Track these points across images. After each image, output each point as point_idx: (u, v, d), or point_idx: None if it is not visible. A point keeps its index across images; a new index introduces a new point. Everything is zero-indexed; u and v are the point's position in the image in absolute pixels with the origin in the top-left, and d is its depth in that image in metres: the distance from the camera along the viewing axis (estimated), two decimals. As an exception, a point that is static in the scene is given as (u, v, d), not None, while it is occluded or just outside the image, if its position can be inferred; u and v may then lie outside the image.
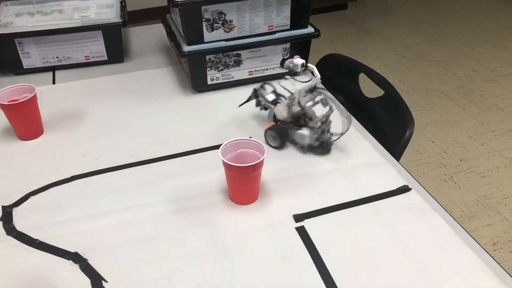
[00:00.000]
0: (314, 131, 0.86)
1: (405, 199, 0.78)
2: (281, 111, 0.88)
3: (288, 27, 1.05)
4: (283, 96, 0.91)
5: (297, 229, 0.72)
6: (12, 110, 0.89)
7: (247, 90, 1.08)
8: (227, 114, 1.00)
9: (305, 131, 0.86)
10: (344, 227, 0.73)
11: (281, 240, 0.71)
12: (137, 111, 1.03)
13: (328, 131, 0.87)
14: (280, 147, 0.89)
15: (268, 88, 0.94)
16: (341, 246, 0.70)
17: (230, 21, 1.00)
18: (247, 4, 0.98)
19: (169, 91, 1.10)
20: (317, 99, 0.86)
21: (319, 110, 0.86)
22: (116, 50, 1.20)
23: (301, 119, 0.87)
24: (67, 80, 1.15)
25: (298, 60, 0.84)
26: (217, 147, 0.90)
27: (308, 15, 1.06)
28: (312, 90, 0.85)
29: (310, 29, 1.08)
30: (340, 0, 3.45)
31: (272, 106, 0.91)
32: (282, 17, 1.03)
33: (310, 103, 0.86)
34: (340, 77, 1.16)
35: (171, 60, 1.24)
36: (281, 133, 0.88)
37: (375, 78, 1.06)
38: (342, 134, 0.87)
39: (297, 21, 1.05)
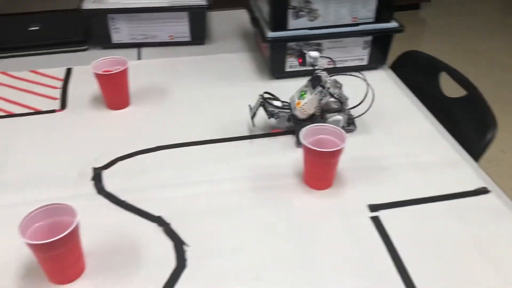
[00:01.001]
0: (346, 112, 0.89)
1: (484, 201, 0.77)
2: (305, 109, 0.86)
3: (372, 19, 1.05)
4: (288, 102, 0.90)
5: (372, 218, 0.73)
6: (105, 80, 0.95)
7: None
8: (304, 102, 1.01)
9: (338, 116, 0.88)
10: (420, 222, 0.73)
11: (355, 227, 0.72)
12: (216, 92, 1.06)
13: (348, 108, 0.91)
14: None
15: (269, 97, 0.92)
16: (416, 239, 0.70)
17: (316, 10, 1.01)
18: (334, -6, 0.99)
19: (246, 75, 1.13)
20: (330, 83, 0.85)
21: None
22: (199, 32, 1.24)
23: (331, 106, 0.88)
24: (151, 57, 1.21)
25: (315, 53, 0.85)
26: (291, 132, 0.92)
27: (393, 9, 1.05)
28: (316, 77, 0.85)
29: (394, 24, 1.07)
30: (413, 0, 3.36)
31: (287, 111, 0.89)
32: (367, 9, 1.03)
33: (337, 91, 0.87)
34: (418, 74, 1.14)
35: (249, 46, 1.27)
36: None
37: (458, 78, 1.04)
38: (357, 105, 0.91)
39: (381, 14, 1.05)
